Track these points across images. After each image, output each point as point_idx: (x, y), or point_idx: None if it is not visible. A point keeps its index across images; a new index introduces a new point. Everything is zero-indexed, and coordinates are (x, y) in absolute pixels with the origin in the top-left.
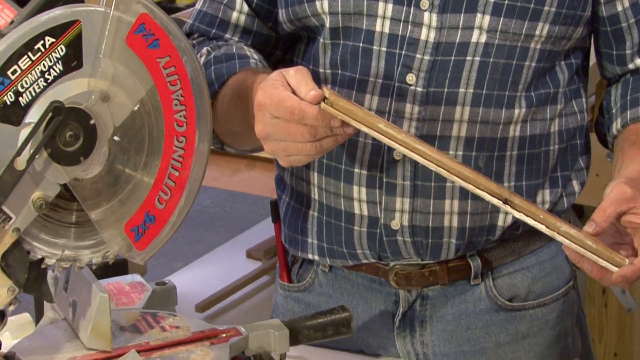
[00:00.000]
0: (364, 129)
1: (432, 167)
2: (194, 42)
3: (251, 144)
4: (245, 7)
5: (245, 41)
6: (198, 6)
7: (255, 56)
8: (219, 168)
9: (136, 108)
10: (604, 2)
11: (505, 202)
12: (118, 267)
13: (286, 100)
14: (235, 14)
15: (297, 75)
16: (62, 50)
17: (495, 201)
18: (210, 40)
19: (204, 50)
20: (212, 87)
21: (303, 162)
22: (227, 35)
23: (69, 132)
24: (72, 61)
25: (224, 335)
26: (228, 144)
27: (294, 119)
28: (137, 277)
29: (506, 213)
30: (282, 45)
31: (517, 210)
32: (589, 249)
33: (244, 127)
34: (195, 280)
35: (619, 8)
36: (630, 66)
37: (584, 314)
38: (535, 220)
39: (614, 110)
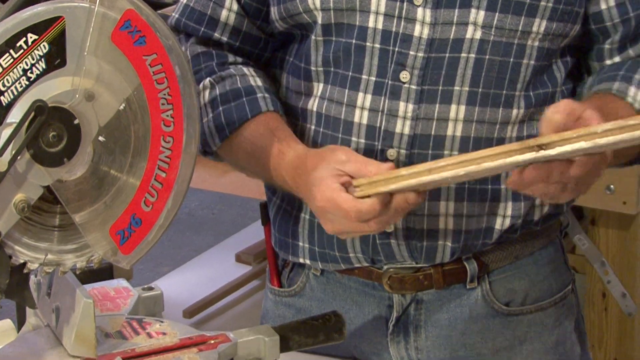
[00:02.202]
0: (400, 185)
1: (461, 171)
2: (181, 37)
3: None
4: (235, 5)
5: (234, 41)
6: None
7: (260, 83)
8: (207, 169)
9: (122, 107)
10: (589, 0)
11: (540, 147)
12: (103, 272)
13: (342, 204)
14: (224, 12)
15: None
16: (45, 48)
17: (530, 156)
18: (203, 45)
19: (207, 82)
20: (222, 132)
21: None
22: (217, 34)
23: (52, 132)
24: (56, 59)
25: (213, 341)
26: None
27: (352, 219)
28: (122, 282)
29: (504, 216)
30: (271, 47)
31: (554, 147)
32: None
33: (258, 177)
34: (182, 285)
35: (603, 6)
36: (607, 62)
37: (583, 319)
38: (572, 142)
39: (585, 91)
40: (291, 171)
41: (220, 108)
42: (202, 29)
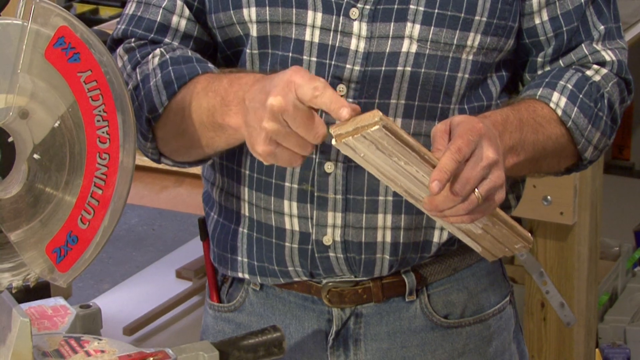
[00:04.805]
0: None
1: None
2: (133, 45)
3: (202, 148)
4: (187, 12)
5: (186, 47)
6: (129, 11)
7: (211, 65)
8: (145, 185)
9: (56, 125)
10: (522, 15)
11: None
12: (40, 290)
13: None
14: (175, 18)
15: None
16: None
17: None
18: (154, 44)
19: (157, 51)
20: (171, 86)
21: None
22: (167, 40)
23: None
24: None
25: (152, 358)
26: (169, 153)
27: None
28: (60, 301)
29: (442, 229)
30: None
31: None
32: None
33: (208, 120)
34: (123, 302)
35: (537, 21)
36: (539, 73)
37: (522, 330)
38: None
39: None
40: (251, 82)
41: (170, 67)
42: (152, 35)
